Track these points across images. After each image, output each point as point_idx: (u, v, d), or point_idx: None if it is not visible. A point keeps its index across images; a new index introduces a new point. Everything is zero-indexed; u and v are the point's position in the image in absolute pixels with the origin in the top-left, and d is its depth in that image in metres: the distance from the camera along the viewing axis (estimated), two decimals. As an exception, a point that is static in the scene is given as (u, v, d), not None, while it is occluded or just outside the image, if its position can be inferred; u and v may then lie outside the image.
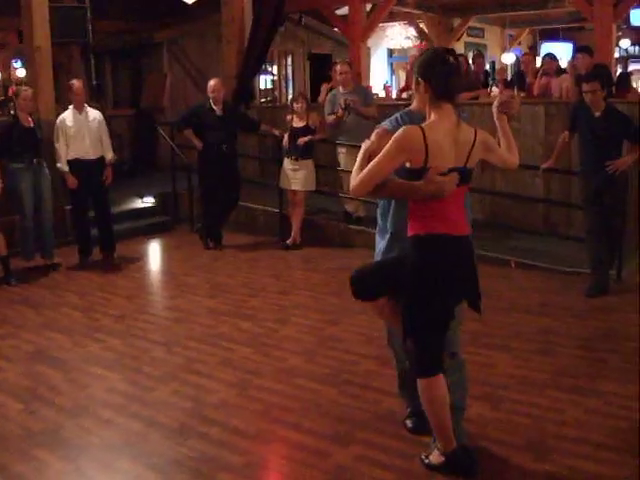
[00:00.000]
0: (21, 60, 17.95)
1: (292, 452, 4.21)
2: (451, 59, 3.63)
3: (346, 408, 4.72)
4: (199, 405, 4.88)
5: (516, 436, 4.25)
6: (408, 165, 3.61)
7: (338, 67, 9.64)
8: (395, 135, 3.57)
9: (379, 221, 4.09)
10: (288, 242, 9.41)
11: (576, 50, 10.81)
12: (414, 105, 3.92)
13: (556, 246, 8.52)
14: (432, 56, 3.72)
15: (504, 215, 9.38)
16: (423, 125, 3.59)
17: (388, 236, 3.98)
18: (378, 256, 4.06)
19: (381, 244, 4.05)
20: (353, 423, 4.51)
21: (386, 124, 3.91)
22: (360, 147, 3.75)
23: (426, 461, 3.94)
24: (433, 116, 3.65)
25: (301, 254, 9.18)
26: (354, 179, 3.64)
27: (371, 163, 3.58)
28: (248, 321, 6.64)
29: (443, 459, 3.86)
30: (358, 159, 3.71)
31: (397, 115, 3.93)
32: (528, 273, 7.91)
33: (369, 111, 9.23)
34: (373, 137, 3.74)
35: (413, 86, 3.82)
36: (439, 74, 3.61)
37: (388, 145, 3.56)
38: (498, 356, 5.55)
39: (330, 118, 9.47)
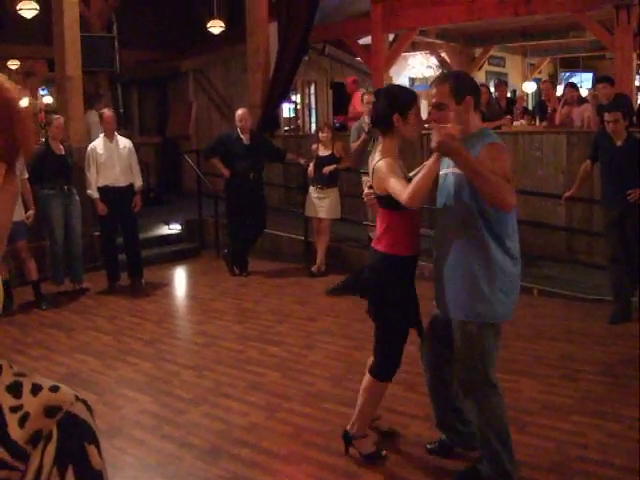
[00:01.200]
0: (47, 88, 18.33)
1: (322, 473, 4.32)
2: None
3: (374, 432, 4.82)
4: (230, 427, 5.00)
5: (541, 459, 4.34)
6: None
7: (365, 97, 9.81)
8: None
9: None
10: (313, 269, 9.54)
11: (597, 80, 10.93)
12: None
13: (578, 274, 8.60)
14: None
15: (527, 243, 9.33)
16: None
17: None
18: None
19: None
20: (381, 446, 4.61)
21: None
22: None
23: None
24: None
25: (326, 281, 9.27)
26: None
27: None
28: (276, 346, 6.76)
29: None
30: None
31: None
32: (551, 301, 7.99)
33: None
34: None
35: None
36: None
37: None
38: (523, 381, 5.63)
39: (354, 145, 9.62)
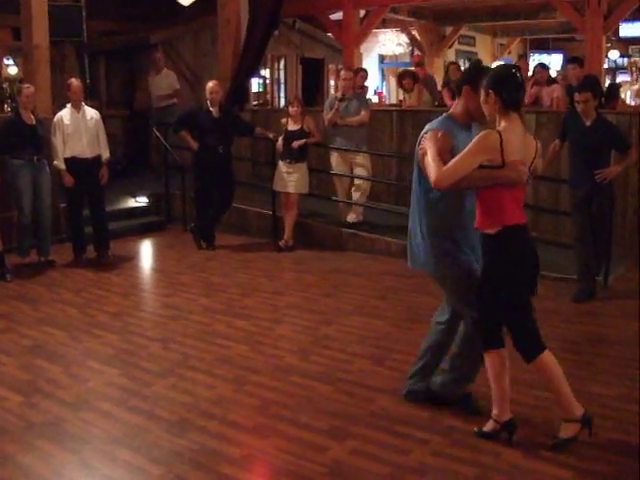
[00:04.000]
0: (12, 58, 18.01)
1: (290, 446, 4.33)
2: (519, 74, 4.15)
3: (341, 405, 4.85)
4: (197, 400, 5.00)
5: (506, 433, 4.39)
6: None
7: (342, 73, 9.86)
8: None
9: None
10: (281, 244, 9.52)
11: (567, 60, 10.97)
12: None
13: (544, 252, 8.62)
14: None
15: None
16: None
17: None
18: None
19: None
20: (348, 419, 4.64)
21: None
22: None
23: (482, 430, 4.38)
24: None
25: (293, 256, 9.30)
26: (436, 174, 4.06)
27: (455, 159, 4.06)
28: (243, 320, 6.76)
29: (498, 427, 4.31)
30: (431, 159, 4.12)
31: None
32: (517, 278, 8.03)
33: (363, 118, 9.43)
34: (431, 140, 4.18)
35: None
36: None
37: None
38: (488, 357, 5.67)
39: (328, 116, 9.59)
